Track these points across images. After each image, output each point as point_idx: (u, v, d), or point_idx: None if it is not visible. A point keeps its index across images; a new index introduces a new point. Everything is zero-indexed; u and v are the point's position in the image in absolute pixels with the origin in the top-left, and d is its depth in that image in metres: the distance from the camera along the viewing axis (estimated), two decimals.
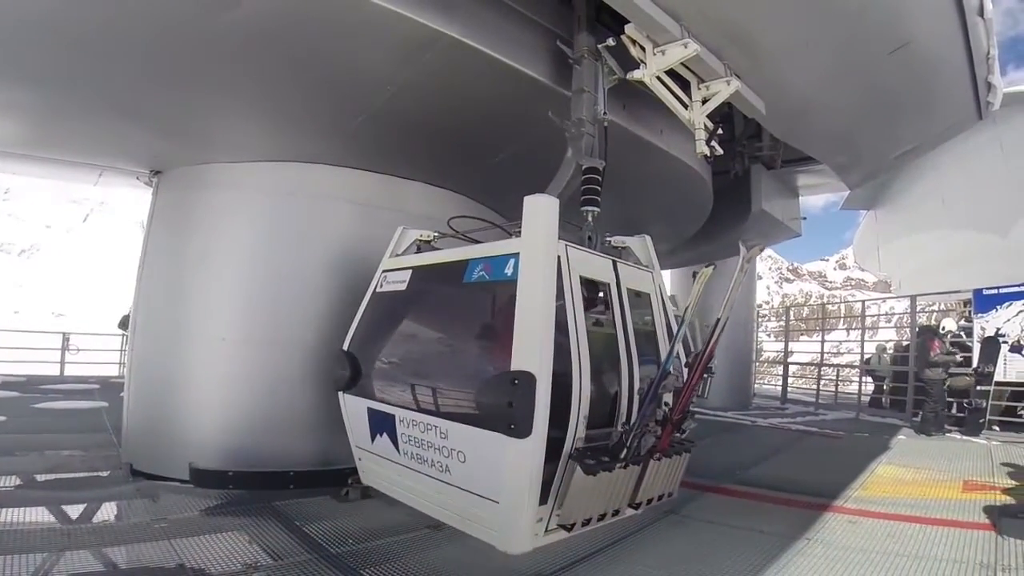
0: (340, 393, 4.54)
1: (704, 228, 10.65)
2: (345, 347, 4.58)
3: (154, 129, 5.70)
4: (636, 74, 4.82)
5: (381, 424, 4.08)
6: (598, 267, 3.91)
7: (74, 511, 4.66)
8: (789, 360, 16.69)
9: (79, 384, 12.27)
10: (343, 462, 5.49)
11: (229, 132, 5.75)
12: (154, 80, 4.71)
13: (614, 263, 4.07)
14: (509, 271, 3.42)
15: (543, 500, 3.27)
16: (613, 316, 3.87)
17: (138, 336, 6.30)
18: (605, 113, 5.14)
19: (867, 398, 13.82)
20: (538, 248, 3.36)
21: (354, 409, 4.40)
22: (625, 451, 3.46)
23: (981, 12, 5.64)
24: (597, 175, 4.80)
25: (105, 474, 5.73)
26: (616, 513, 3.72)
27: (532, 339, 3.18)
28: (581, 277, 3.64)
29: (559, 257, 3.47)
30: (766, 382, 20.71)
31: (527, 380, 3.08)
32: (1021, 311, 10.13)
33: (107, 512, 4.79)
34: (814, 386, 15.53)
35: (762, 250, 5.62)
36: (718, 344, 3.79)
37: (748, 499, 5.77)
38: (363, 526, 4.64)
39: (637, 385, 3.79)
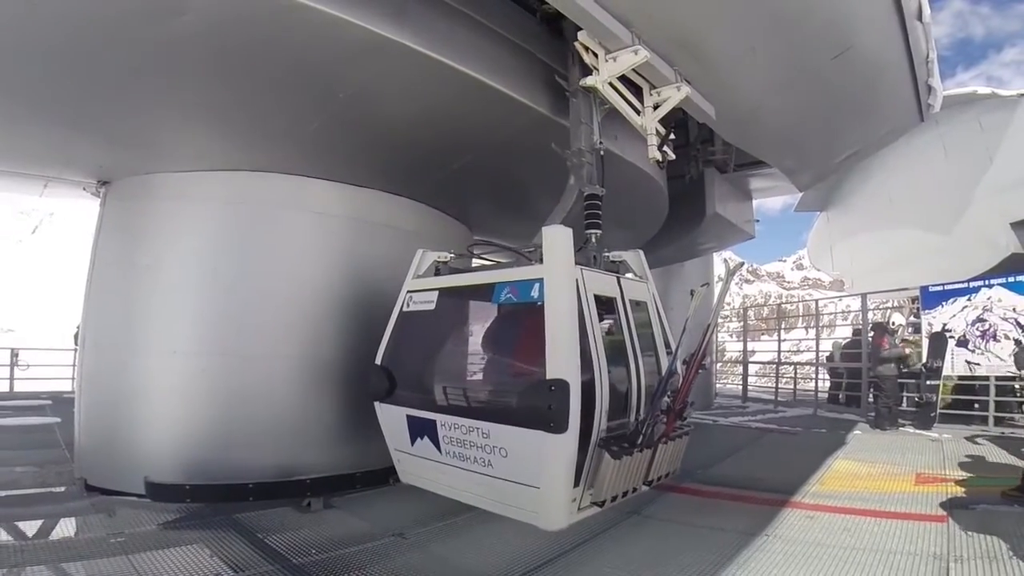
0: (377, 403, 4.77)
1: (661, 232, 10.79)
2: (378, 361, 4.80)
3: (101, 139, 5.57)
4: (588, 80, 4.94)
5: (421, 429, 4.42)
6: (606, 284, 4.37)
7: (29, 528, 4.58)
8: (749, 359, 16.97)
9: (30, 400, 11.88)
10: (304, 472, 5.48)
11: (178, 141, 5.64)
12: (101, 89, 4.62)
13: (617, 279, 4.49)
14: (535, 294, 3.85)
15: (575, 483, 3.70)
16: (620, 325, 4.30)
17: (88, 350, 6.17)
18: (601, 143, 5.30)
19: (825, 395, 14.10)
20: (561, 275, 3.82)
21: (391, 417, 4.68)
22: (641, 438, 3.96)
23: (920, 16, 5.83)
24: (598, 200, 5.03)
25: (59, 490, 5.63)
26: (635, 490, 4.14)
27: (563, 352, 3.62)
28: (595, 295, 4.06)
29: (576, 280, 3.91)
30: (728, 382, 21.01)
31: (562, 386, 3.53)
32: (965, 307, 10.45)
33: (62, 528, 4.69)
34: (774, 384, 15.83)
35: (742, 265, 5.91)
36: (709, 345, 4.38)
37: (709, 497, 5.87)
38: (327, 536, 4.64)
39: (644, 382, 4.25)
